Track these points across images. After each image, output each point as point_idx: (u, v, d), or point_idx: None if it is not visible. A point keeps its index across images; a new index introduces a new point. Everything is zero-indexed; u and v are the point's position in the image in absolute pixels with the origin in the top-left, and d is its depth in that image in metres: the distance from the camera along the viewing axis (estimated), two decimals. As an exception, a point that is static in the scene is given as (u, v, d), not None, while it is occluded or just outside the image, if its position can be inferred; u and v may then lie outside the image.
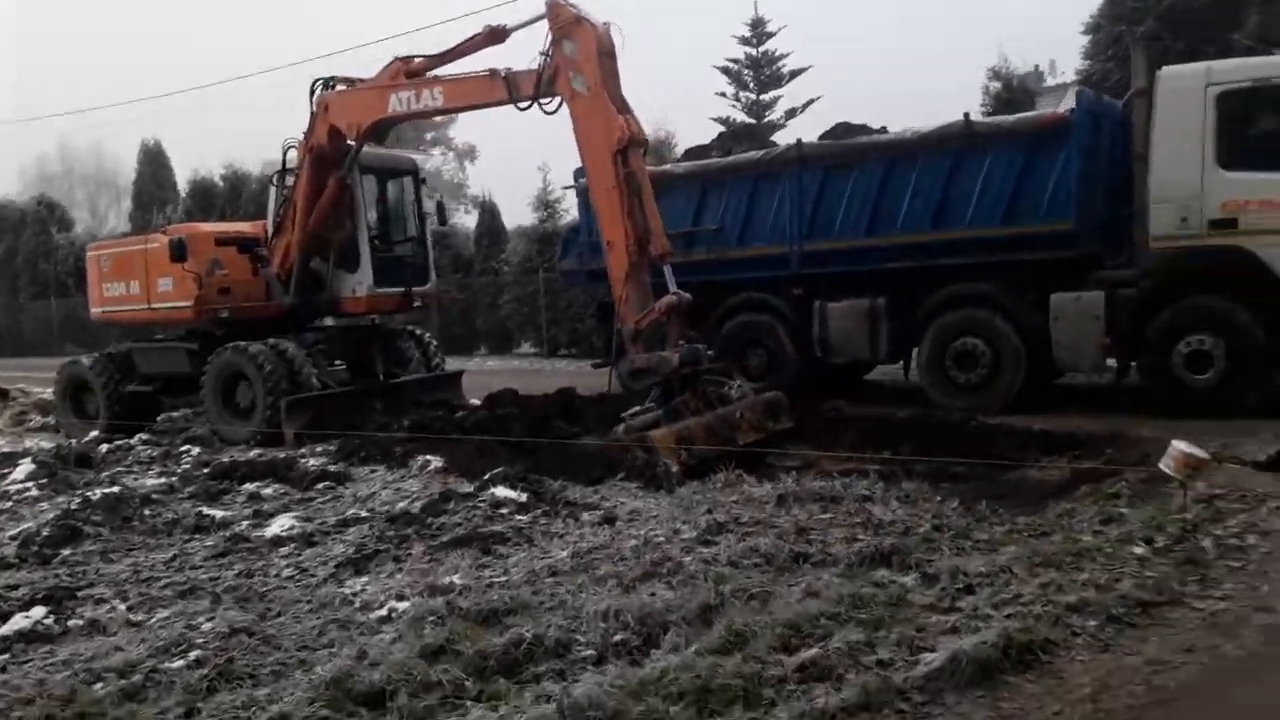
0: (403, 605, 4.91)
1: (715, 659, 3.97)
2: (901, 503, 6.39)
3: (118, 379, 12.59)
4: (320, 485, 8.30)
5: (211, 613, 5.00)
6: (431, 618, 4.65)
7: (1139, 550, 5.52)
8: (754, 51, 25.64)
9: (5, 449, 11.90)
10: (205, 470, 9.07)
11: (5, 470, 9.80)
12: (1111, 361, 10.33)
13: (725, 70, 26.00)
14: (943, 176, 10.79)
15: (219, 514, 7.25)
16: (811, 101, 24.66)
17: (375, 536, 6.24)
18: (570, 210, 20.46)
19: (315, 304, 12.33)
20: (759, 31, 25.52)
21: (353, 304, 12.26)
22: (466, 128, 51.10)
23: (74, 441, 11.56)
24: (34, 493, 8.51)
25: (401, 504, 7.03)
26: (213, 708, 3.81)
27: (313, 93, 11.46)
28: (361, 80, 11.22)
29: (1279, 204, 9.22)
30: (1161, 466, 5.81)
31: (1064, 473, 8.14)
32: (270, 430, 10.86)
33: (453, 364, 14.68)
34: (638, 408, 8.66)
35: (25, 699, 3.94)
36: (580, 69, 8.80)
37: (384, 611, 4.89)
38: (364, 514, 7.03)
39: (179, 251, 11.36)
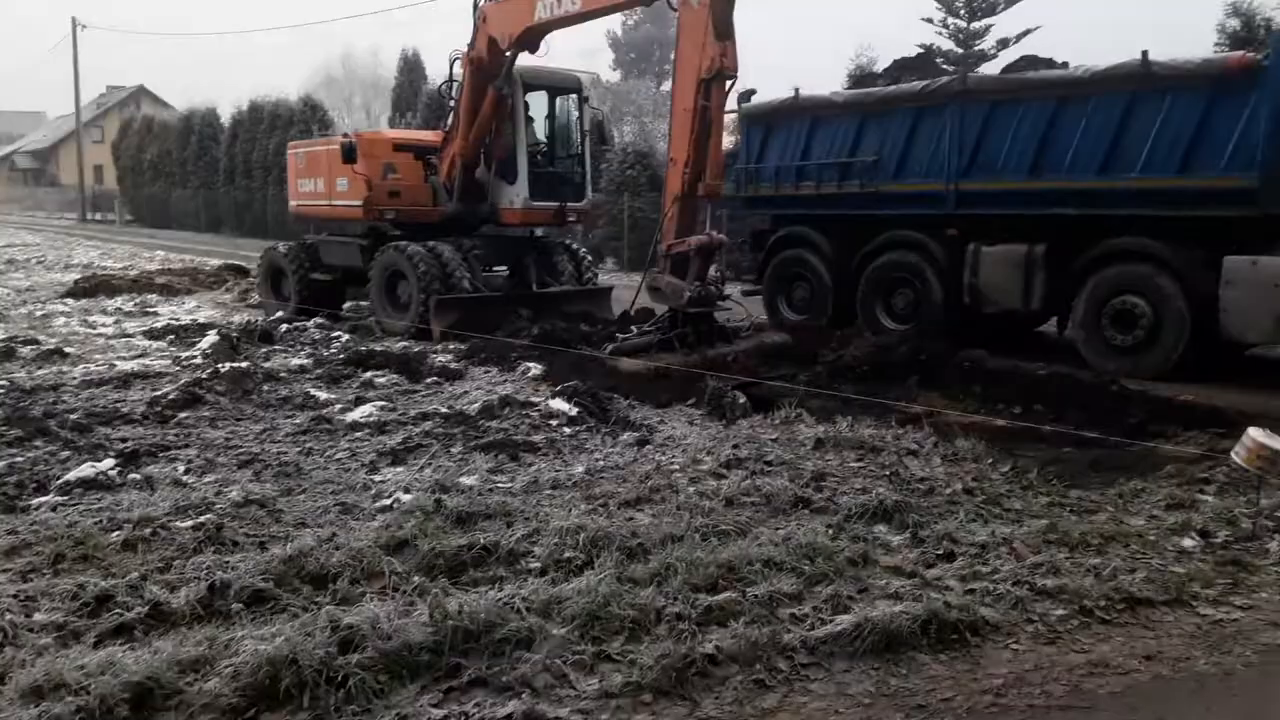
0: (406, 498, 5.28)
1: (629, 587, 4.06)
2: (946, 461, 6.08)
3: (307, 266, 13.87)
4: (430, 379, 8.89)
5: (247, 482, 5.60)
6: (418, 512, 4.99)
7: (1189, 543, 5.04)
8: None
9: (217, 319, 13.52)
10: (341, 356, 9.91)
11: (195, 339, 11.15)
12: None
13: None
14: (1115, 120, 9.76)
15: (323, 395, 7.97)
16: (1028, 32, 22.57)
17: (426, 432, 6.68)
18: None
19: (477, 212, 12.96)
20: None
21: (509, 214, 12.80)
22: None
23: (260, 319, 12.91)
24: (199, 360, 9.64)
25: (476, 405, 7.43)
26: (184, 566, 4.34)
27: (476, 4, 11.87)
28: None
29: None
30: (1233, 456, 5.19)
31: (1199, 449, 7.46)
32: (421, 326, 11.67)
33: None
34: (635, 330, 8.89)
35: (51, 536, 4.65)
36: (697, -23, 8.63)
37: (387, 501, 5.28)
38: (444, 410, 7.50)
39: (349, 154, 12.27)
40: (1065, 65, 10.89)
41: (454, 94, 12.68)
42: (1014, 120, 10.59)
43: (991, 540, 4.83)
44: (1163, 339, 9.74)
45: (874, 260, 12.17)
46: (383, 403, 7.71)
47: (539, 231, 13.46)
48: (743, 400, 7.54)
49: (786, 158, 12.93)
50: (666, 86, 13.30)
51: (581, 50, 51.51)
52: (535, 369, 8.98)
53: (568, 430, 6.74)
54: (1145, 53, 9.50)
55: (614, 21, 45.26)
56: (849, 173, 12.16)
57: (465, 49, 12.22)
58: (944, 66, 14.61)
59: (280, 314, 13.32)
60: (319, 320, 12.61)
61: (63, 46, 66.55)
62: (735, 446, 6.16)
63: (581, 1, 10.52)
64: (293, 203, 14.35)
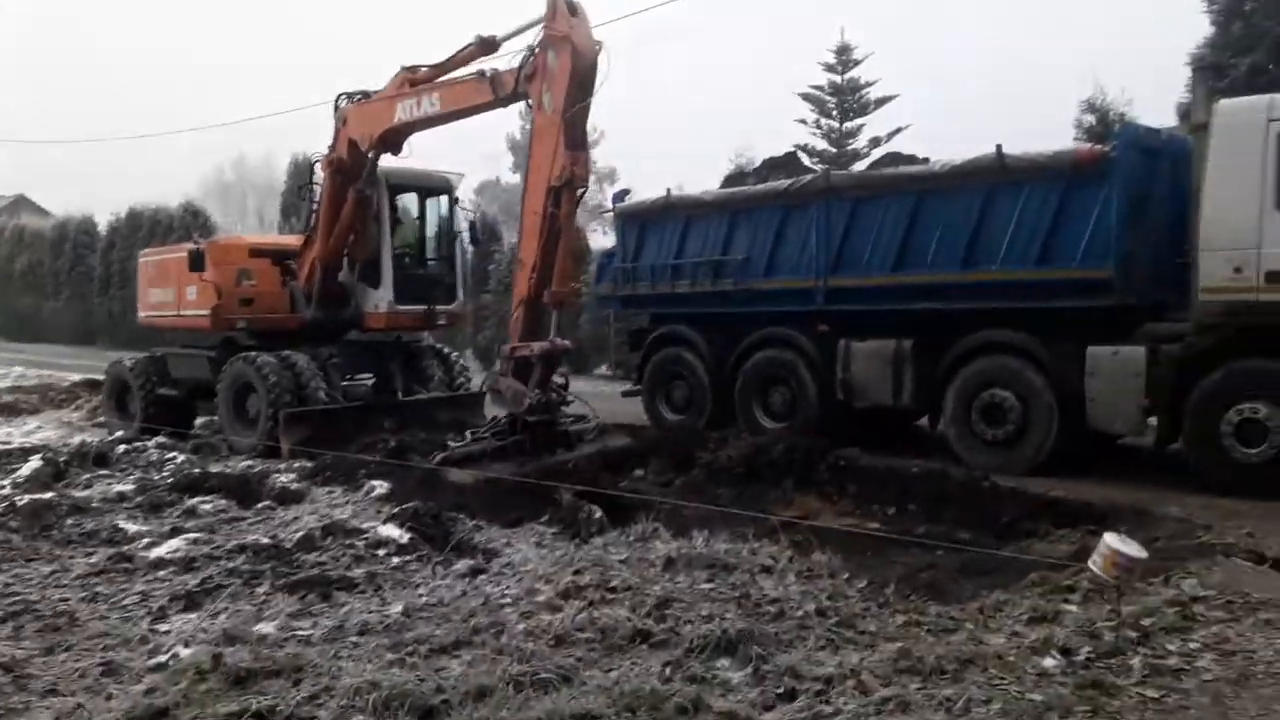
0: (185, 653, 4.58)
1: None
2: (801, 578, 5.65)
3: (155, 381, 12.97)
4: (263, 504, 8.16)
5: (2, 641, 4.82)
6: (192, 671, 4.30)
7: (1050, 662, 4.67)
8: (838, 79, 24.70)
9: (53, 440, 12.44)
10: (169, 480, 9.09)
11: (17, 466, 10.14)
12: (1154, 422, 9.10)
13: (807, 97, 25.16)
14: (974, 213, 9.85)
15: (134, 528, 7.19)
16: (897, 131, 23.53)
17: (233, 570, 5.97)
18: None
19: (339, 318, 12.38)
20: (844, 58, 24.59)
21: (374, 319, 12.27)
22: (609, 151, 51.35)
23: (97, 441, 11.91)
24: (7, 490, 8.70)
25: (298, 535, 6.75)
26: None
27: (337, 106, 11.54)
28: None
29: (1350, 257, 7.92)
30: (1091, 565, 4.90)
31: (1073, 547, 7.25)
32: (270, 443, 10.90)
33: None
34: (470, 435, 8.51)
35: None
36: (552, 86, 8.45)
37: (163, 657, 4.58)
38: (265, 540, 6.79)
39: (196, 261, 11.64)
40: (927, 161, 11.04)
41: (315, 198, 12.21)
42: (877, 216, 10.62)
43: (839, 672, 4.37)
44: (1032, 432, 9.65)
45: (749, 358, 11.97)
46: (198, 535, 6.95)
47: (403, 336, 12.90)
48: (598, 515, 7.04)
49: (661, 256, 12.77)
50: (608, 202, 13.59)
51: (484, 155, 51.87)
52: (381, 487, 8.33)
53: (396, 560, 6.12)
54: (999, 146, 9.64)
55: (513, 125, 46.07)
56: (722, 271, 12.04)
57: (326, 151, 11.82)
58: (811, 165, 14.77)
59: (119, 434, 12.34)
60: (161, 440, 11.70)
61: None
62: (577, 572, 5.63)
63: (440, 103, 10.27)
64: (141, 313, 13.52)
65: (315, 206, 12.16)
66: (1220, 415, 8.40)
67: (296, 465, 9.91)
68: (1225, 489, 8.29)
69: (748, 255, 11.75)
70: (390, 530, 6.48)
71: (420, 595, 5.48)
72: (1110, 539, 4.79)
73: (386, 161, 11.70)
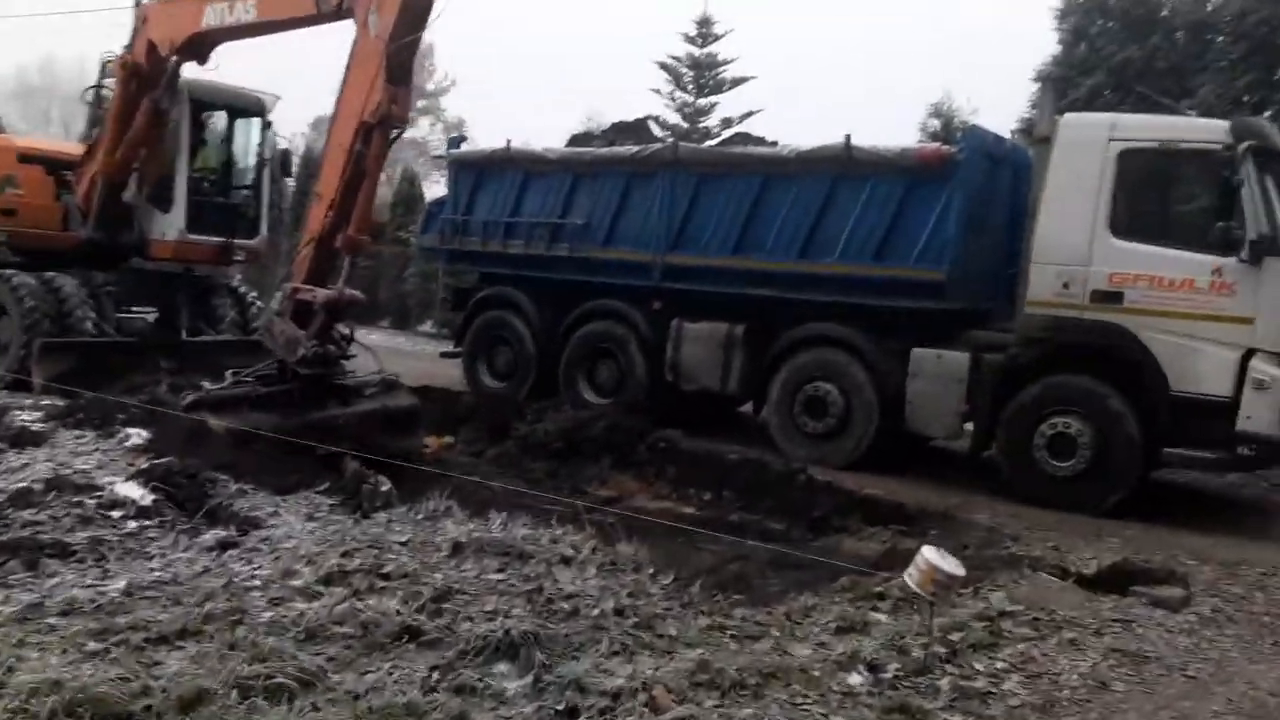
0: None
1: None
2: (603, 571, 5.11)
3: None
4: (-8, 447, 6.93)
5: None
6: None
7: (855, 680, 4.32)
8: (697, 52, 24.27)
9: None
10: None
11: None
12: (970, 428, 9.14)
13: (664, 66, 24.64)
14: (817, 203, 9.58)
15: None
16: (750, 114, 23.16)
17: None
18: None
19: (120, 242, 10.94)
20: (705, 31, 24.06)
21: (160, 247, 10.93)
22: (460, 99, 48.97)
23: None
24: None
25: (16, 486, 5.66)
26: None
27: (137, 2, 10.11)
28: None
29: (1171, 283, 8.08)
30: (906, 579, 4.58)
31: (883, 546, 7.08)
32: (20, 376, 9.46)
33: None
34: (230, 378, 7.62)
35: None
36: (381, 8, 7.52)
37: None
38: (-18, 491, 5.66)
39: (-66, 161, 9.97)
40: (775, 145, 10.72)
41: (101, 104, 10.71)
42: (721, 195, 10.22)
43: (629, 685, 3.85)
44: (852, 428, 9.54)
45: (579, 329, 11.40)
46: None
47: (194, 270, 11.56)
48: (386, 488, 6.27)
49: (496, 212, 11.96)
50: (441, 148, 12.21)
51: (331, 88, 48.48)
52: (139, 437, 7.23)
53: (132, 525, 5.17)
54: (848, 136, 9.39)
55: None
56: (559, 235, 11.37)
57: (121, 51, 10.34)
58: (660, 135, 14.27)
59: None
60: (-110, 360, 10.00)
61: None
62: (346, 554, 4.87)
63: (255, 10, 9.07)
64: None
65: (103, 112, 10.65)
66: (1034, 427, 8.46)
67: (45, 403, 8.59)
68: (1034, 499, 8.36)
69: (587, 221, 11.13)
70: (131, 489, 5.48)
71: (152, 571, 4.59)
72: (929, 553, 4.48)
73: (192, 72, 10.38)
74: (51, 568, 4.51)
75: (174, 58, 9.93)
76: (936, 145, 9.92)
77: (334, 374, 7.77)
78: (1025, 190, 9.29)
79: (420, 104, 60.26)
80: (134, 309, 11.19)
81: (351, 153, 7.52)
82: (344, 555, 4.84)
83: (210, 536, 5.07)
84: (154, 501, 5.38)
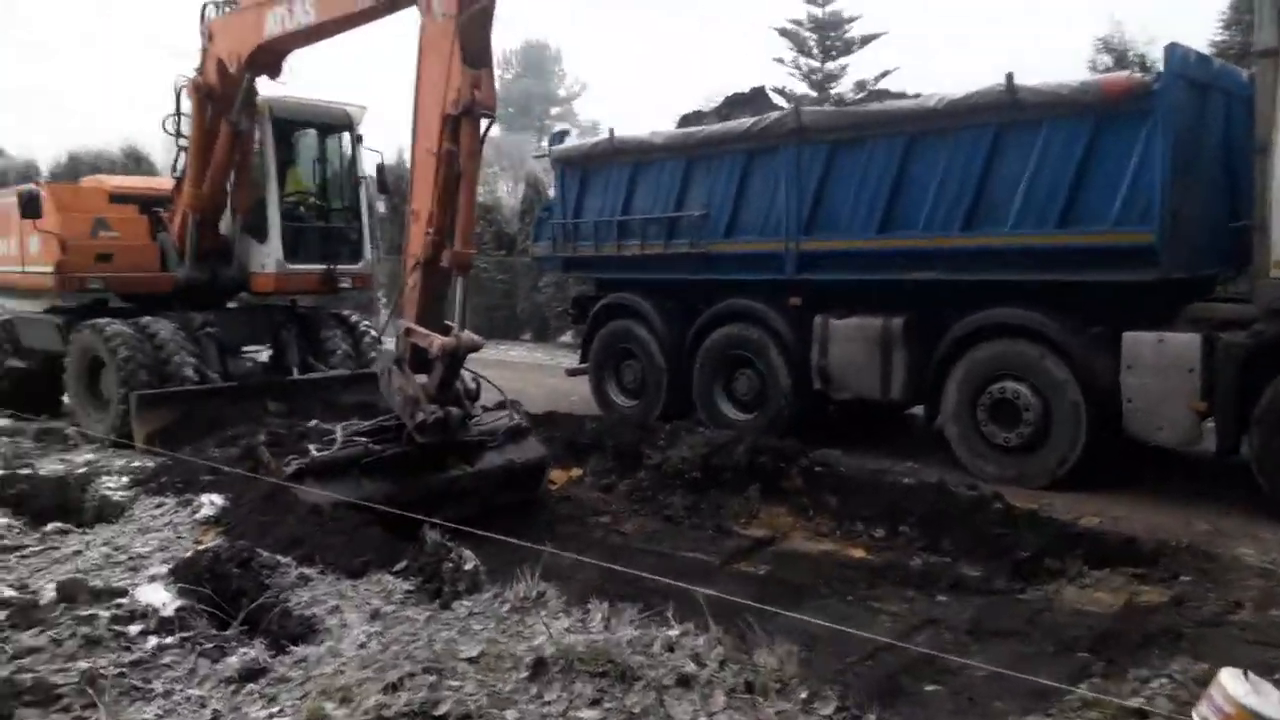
0: None
1: None
2: (734, 698, 3.72)
3: (8, 350, 10.92)
4: (53, 526, 6.21)
5: None
6: None
7: None
8: (818, 12, 22.23)
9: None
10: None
11: None
12: (1211, 426, 7.22)
13: (784, 32, 22.68)
14: (979, 161, 7.91)
15: None
16: (886, 73, 21.06)
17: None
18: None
19: (221, 278, 10.33)
20: None
21: (260, 281, 10.25)
22: (592, 105, 48.16)
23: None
24: None
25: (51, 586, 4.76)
26: None
27: (203, 17, 9.41)
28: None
29: None
30: (1195, 718, 3.01)
31: (1115, 597, 5.50)
32: (124, 433, 8.90)
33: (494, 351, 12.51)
34: (340, 433, 6.80)
35: None
36: (447, -12, 6.40)
37: None
38: (9, 593, 4.82)
39: (30, 208, 9.49)
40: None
41: (182, 132, 10.09)
42: (860, 164, 8.67)
43: None
44: (1055, 437, 7.79)
45: (709, 335, 10.06)
46: (-89, 586, 4.96)
47: (297, 301, 10.86)
48: (470, 565, 5.10)
49: (606, 211, 10.77)
50: (544, 146, 11.38)
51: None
52: (211, 505, 6.36)
53: (149, 644, 4.14)
54: (1010, 75, 7.64)
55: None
56: (676, 229, 10.07)
57: (193, 74, 9.69)
58: (779, 102, 12.68)
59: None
60: (1, 423, 9.66)
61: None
62: (394, 687, 3.66)
63: (315, 10, 8.15)
64: (-20, 268, 11.39)
65: (185, 142, 10.03)
66: (1301, 423, 6.53)
67: (136, 465, 7.91)
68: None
69: (705, 211, 9.78)
70: (156, 594, 4.49)
71: (144, 722, 3.54)
72: (1230, 685, 2.90)
73: (270, 90, 9.64)
74: (18, 723, 3.51)
75: (245, 73, 9.19)
76: (1126, 73, 8.00)
77: (456, 439, 6.81)
78: (1244, 122, 7.32)
79: (554, 110, 60.18)
80: (245, 350, 10.56)
81: (441, 155, 6.49)
82: (391, 689, 3.64)
83: (235, 660, 3.99)
84: (179, 610, 4.35)
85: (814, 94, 21.65)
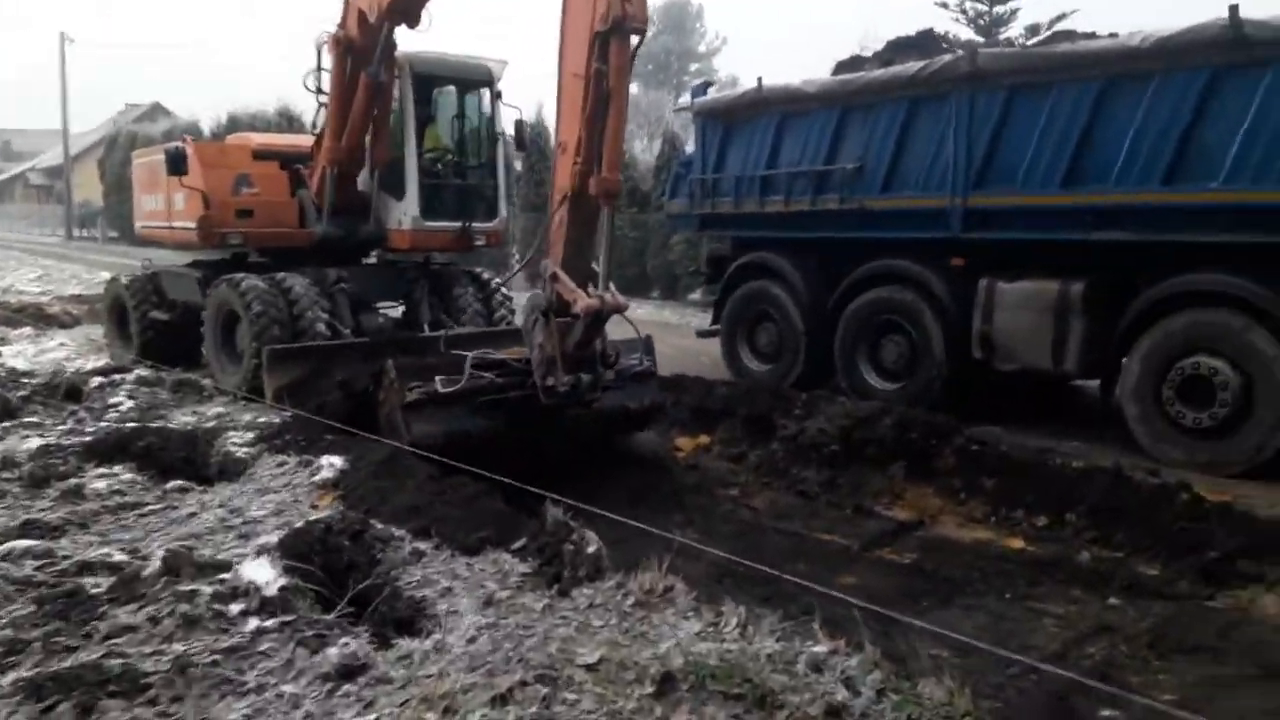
0: None
1: None
2: (885, 697, 3.14)
3: (153, 301, 11.19)
4: (173, 485, 6.14)
5: None
6: None
7: None
8: None
9: (56, 363, 10.90)
10: (88, 437, 7.14)
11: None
12: None
13: None
14: (1188, 108, 6.93)
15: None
16: (1063, 16, 19.21)
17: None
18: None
19: (357, 234, 10.23)
20: None
21: (397, 237, 10.09)
22: (731, 61, 47.00)
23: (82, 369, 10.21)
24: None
25: (159, 552, 4.58)
26: None
27: (343, -26, 9.18)
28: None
29: None
30: None
31: None
32: (254, 386, 8.91)
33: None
34: (469, 367, 6.67)
35: None
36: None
37: None
38: (117, 557, 4.69)
39: (175, 164, 9.59)
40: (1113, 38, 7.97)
41: (322, 88, 9.95)
42: (1043, 111, 7.77)
43: None
44: (1256, 420, 6.82)
45: (856, 297, 9.35)
46: (33, 543, 4.89)
47: (432, 258, 10.68)
48: (594, 548, 4.66)
49: (749, 166, 10.13)
50: (685, 99, 10.93)
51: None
52: (330, 467, 6.16)
53: (249, 627, 3.86)
54: (1234, 8, 6.56)
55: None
56: (825, 184, 9.34)
57: (334, 29, 9.51)
58: (950, 46, 11.63)
59: (104, 362, 10.62)
60: (141, 374, 9.86)
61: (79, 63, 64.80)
62: (502, 699, 3.23)
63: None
64: (138, 223, 11.66)
65: (325, 98, 9.89)
66: None
67: (262, 420, 7.86)
68: None
69: (860, 164, 9.02)
70: (260, 570, 4.22)
71: (231, 720, 3.23)
72: None
73: (411, 43, 9.36)
74: (111, 716, 3.26)
75: (385, 23, 8.92)
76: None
77: (589, 403, 6.54)
78: None
79: (693, 67, 59.09)
80: (379, 305, 10.49)
81: (589, 77, 6.03)
82: (499, 702, 3.22)
83: (335, 652, 3.65)
84: (283, 590, 4.06)
85: (980, 39, 20.13)
